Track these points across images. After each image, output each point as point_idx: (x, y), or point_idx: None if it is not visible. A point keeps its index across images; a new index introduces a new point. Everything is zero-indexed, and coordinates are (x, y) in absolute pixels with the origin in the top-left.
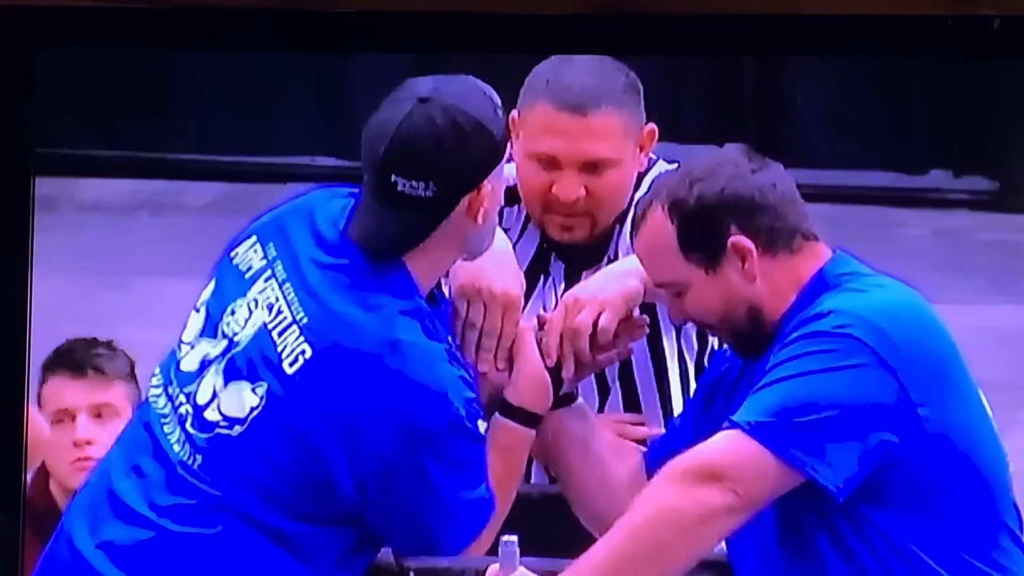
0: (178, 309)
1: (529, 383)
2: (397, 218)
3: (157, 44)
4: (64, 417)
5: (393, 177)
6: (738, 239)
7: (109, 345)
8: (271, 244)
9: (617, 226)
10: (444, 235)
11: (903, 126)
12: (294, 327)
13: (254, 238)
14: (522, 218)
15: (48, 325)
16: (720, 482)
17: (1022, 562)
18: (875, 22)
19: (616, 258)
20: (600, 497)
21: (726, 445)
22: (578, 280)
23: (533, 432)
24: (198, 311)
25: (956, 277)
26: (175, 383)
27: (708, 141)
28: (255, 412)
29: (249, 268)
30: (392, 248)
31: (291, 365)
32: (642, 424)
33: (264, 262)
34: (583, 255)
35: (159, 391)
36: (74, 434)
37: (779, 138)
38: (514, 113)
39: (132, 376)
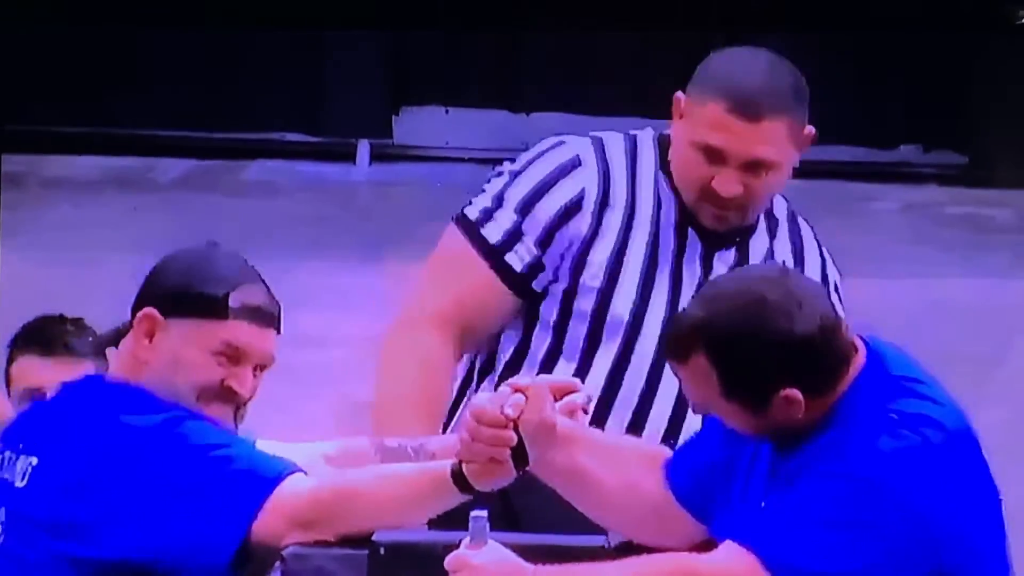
0: None
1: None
2: None
3: (125, 19)
4: (33, 396)
5: None
6: (788, 393)
7: (78, 323)
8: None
9: (757, 218)
10: None
11: (873, 101)
12: (22, 456)
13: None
14: (665, 185)
15: (15, 303)
16: None
17: None
18: None
19: (748, 251)
20: (626, 502)
21: (746, 570)
22: (712, 261)
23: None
24: None
25: (925, 251)
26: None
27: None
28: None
29: None
30: None
31: (22, 480)
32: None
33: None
34: (720, 236)
35: None
36: None
37: None
38: (680, 95)
39: (101, 354)
